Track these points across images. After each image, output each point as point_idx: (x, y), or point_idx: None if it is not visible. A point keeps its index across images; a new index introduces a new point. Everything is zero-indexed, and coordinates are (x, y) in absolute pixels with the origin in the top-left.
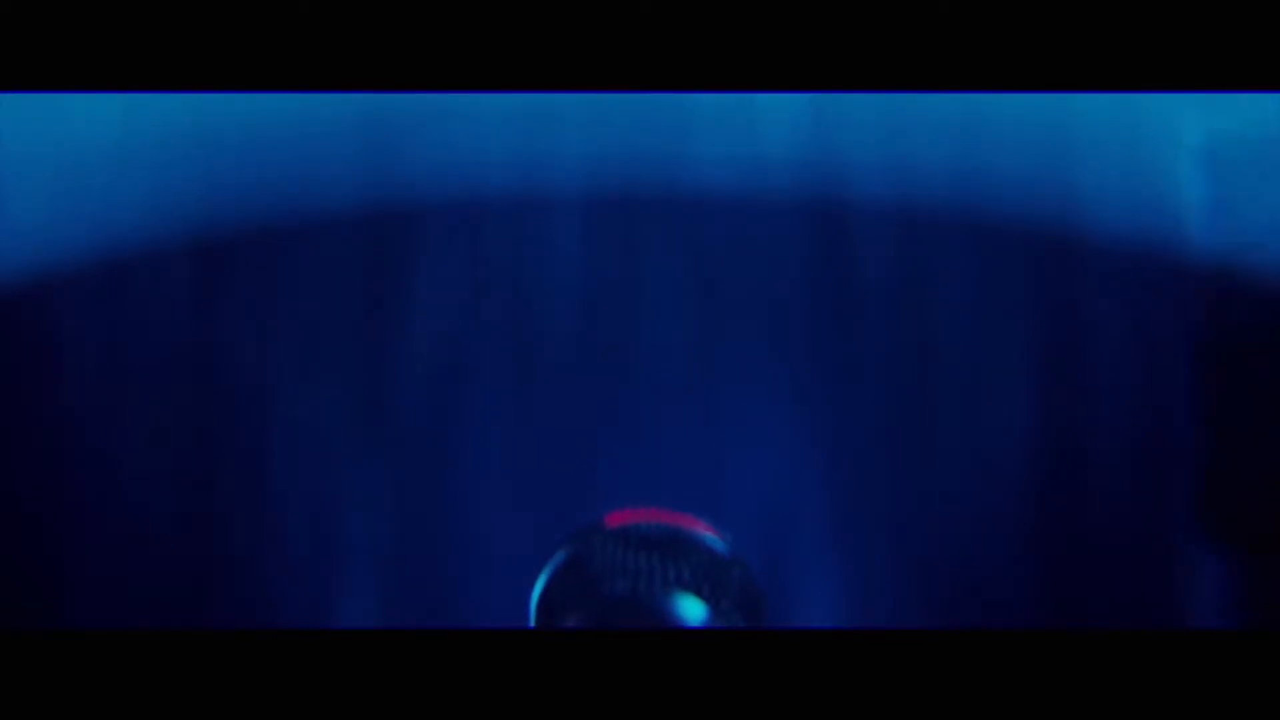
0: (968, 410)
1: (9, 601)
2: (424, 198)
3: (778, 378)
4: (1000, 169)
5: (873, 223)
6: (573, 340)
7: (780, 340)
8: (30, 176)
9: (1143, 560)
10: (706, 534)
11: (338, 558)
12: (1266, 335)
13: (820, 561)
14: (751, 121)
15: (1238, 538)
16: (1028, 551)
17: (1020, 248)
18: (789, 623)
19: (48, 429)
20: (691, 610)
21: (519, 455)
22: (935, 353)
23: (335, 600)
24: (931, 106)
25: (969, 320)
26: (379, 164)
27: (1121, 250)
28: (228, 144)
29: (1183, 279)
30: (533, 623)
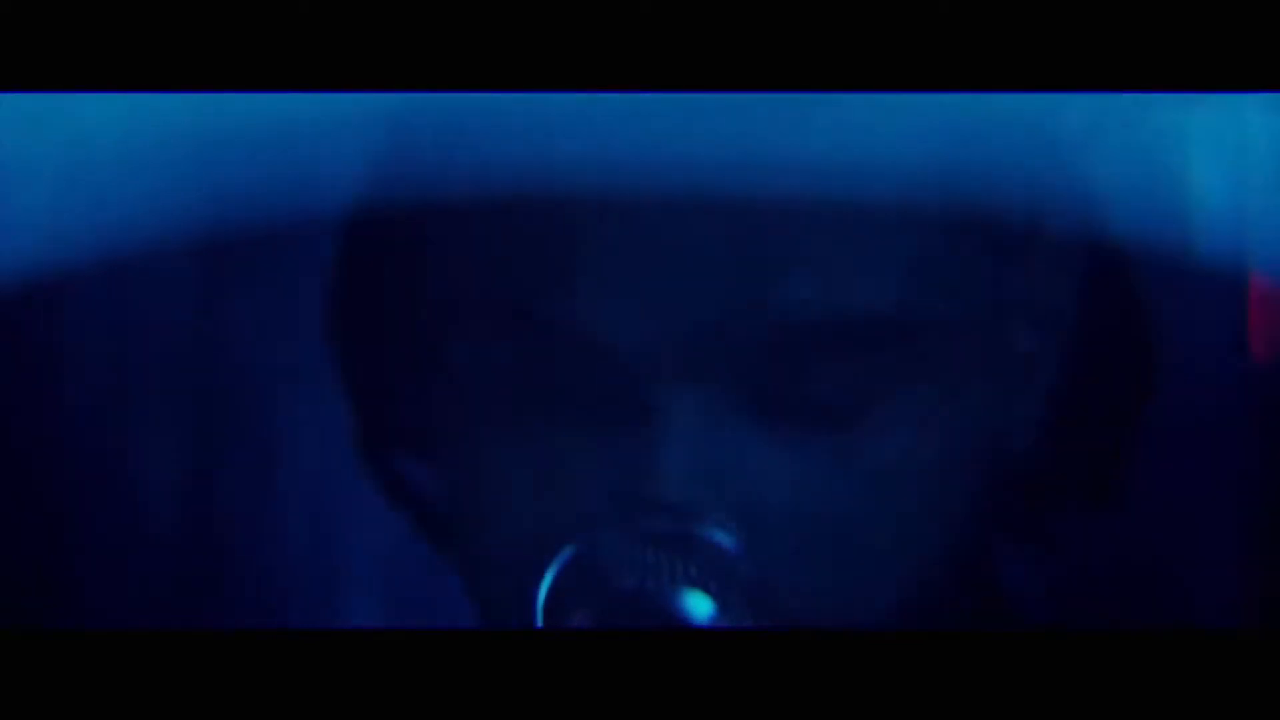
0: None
1: (9, 601)
2: (424, 198)
3: None
4: (1005, 170)
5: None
6: None
7: None
8: (30, 177)
9: (1144, 560)
10: (715, 530)
11: (339, 558)
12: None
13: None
14: (752, 121)
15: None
16: (1029, 552)
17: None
18: (790, 622)
19: (48, 429)
20: (699, 606)
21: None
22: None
23: (337, 600)
24: (933, 106)
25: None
26: (380, 164)
27: (1127, 251)
28: (230, 144)
29: (1190, 280)
30: (539, 618)
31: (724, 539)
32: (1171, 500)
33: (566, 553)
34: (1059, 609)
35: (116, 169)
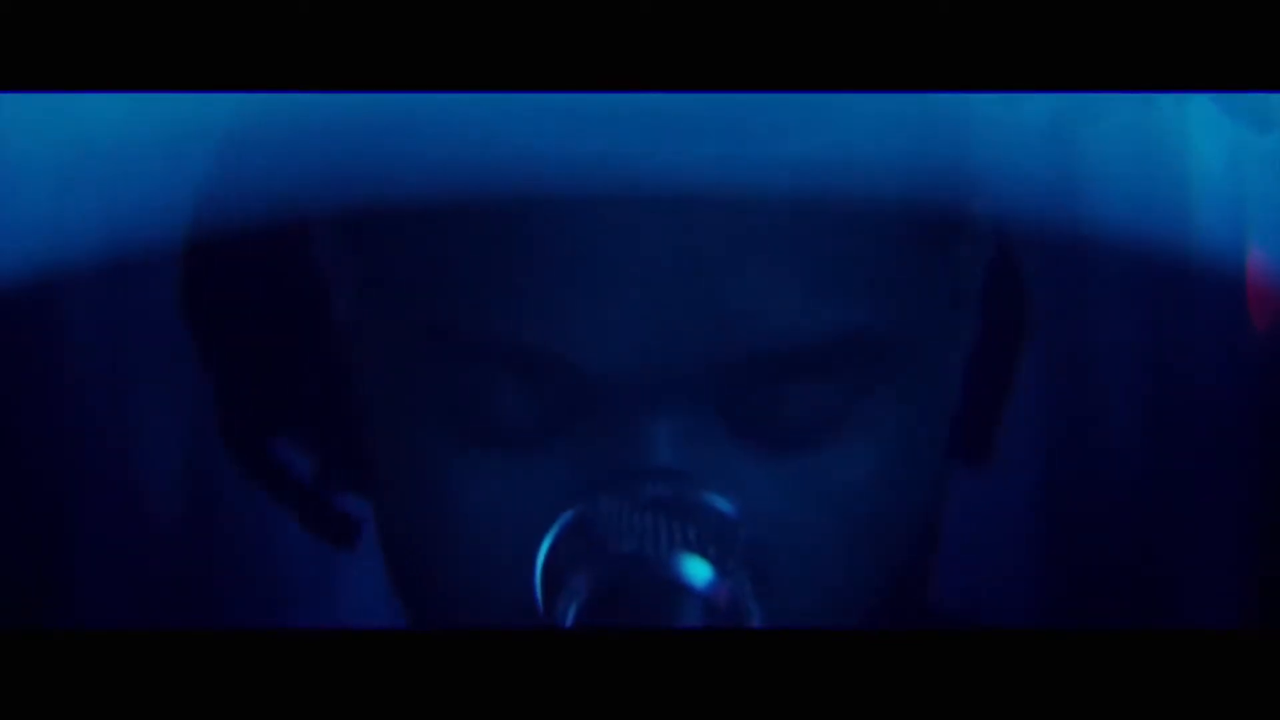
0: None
1: (9, 601)
2: (424, 199)
3: None
4: (1009, 170)
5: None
6: None
7: None
8: (30, 177)
9: (1144, 560)
10: (714, 495)
11: (339, 556)
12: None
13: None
14: (752, 121)
15: None
16: (1030, 551)
17: (1027, 249)
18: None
19: (47, 428)
20: (697, 570)
21: None
22: None
23: (337, 600)
24: (934, 106)
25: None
26: (380, 164)
27: (1130, 251)
28: (234, 143)
29: (1190, 281)
30: (537, 582)
31: (722, 503)
32: (1171, 499)
33: (564, 518)
34: (1059, 609)
35: (116, 169)
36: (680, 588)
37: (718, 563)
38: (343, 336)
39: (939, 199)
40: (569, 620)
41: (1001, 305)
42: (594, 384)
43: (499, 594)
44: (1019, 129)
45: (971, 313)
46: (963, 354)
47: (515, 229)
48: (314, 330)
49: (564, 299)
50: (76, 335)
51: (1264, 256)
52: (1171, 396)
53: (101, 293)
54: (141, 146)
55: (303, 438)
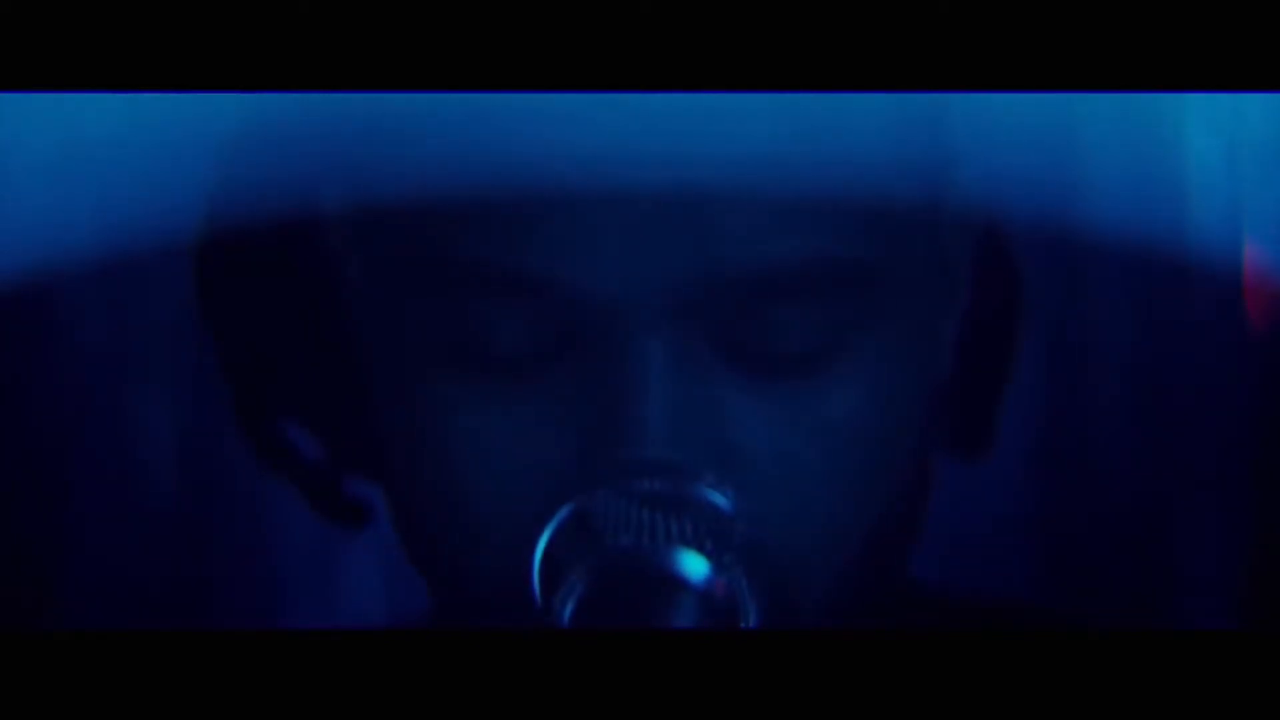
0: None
1: (9, 601)
2: (423, 198)
3: None
4: (1009, 170)
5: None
6: None
7: None
8: (30, 177)
9: (1142, 560)
10: (710, 490)
11: (338, 552)
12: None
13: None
14: (751, 121)
15: None
16: (1028, 551)
17: (1026, 249)
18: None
19: (47, 428)
20: (694, 565)
21: None
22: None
23: (336, 596)
24: (934, 106)
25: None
26: (378, 163)
27: (1126, 251)
28: (235, 143)
29: (1188, 276)
30: (535, 577)
31: (719, 498)
32: (1166, 496)
33: (563, 512)
34: (1059, 608)
35: (115, 168)
36: (677, 582)
37: (714, 557)
38: (349, 293)
39: (926, 172)
40: (567, 615)
41: (992, 286)
42: (588, 306)
43: (505, 533)
44: (1010, 114)
45: (961, 283)
46: (953, 324)
47: (510, 166)
48: (323, 308)
49: (558, 225)
50: (73, 334)
51: (1260, 252)
52: (1167, 393)
53: (98, 292)
54: (141, 146)
55: (313, 420)
